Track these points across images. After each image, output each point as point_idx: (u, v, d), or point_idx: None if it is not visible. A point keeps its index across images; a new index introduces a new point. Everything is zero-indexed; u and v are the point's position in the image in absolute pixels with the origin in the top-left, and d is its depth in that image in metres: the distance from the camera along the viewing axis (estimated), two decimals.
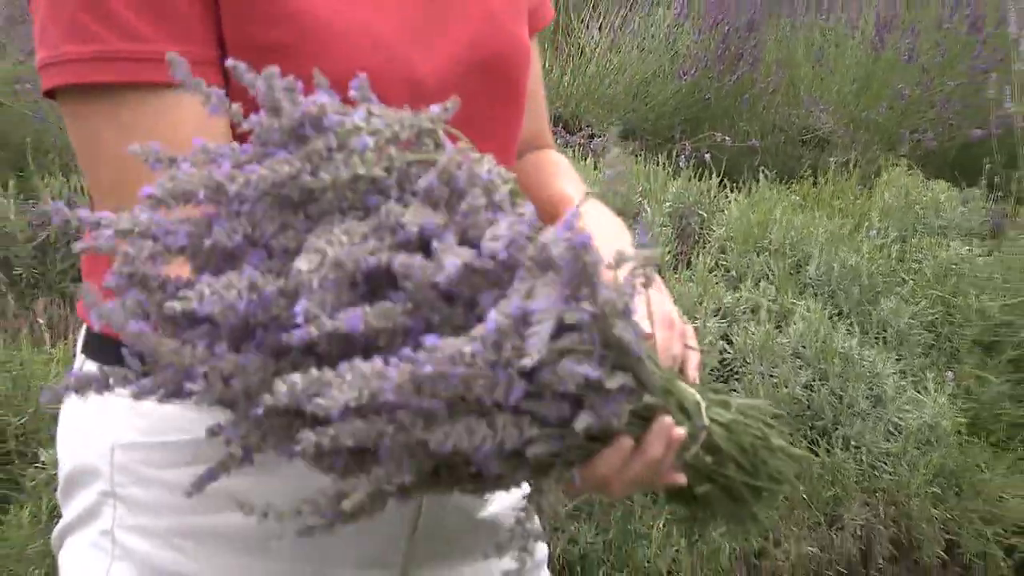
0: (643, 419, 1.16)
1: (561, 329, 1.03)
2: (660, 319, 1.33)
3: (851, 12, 5.82)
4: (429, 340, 0.97)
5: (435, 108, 1.07)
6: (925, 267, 3.83)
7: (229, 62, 0.99)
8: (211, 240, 1.04)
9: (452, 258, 0.99)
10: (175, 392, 1.04)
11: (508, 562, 1.44)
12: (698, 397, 1.24)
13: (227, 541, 1.34)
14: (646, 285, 1.10)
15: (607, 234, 1.35)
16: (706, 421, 1.22)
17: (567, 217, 1.01)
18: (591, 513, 2.98)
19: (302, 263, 0.99)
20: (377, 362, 0.96)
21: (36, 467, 2.71)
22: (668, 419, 1.16)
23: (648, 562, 2.95)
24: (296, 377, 0.95)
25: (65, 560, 1.41)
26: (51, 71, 1.24)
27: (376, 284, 1.03)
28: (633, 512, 2.97)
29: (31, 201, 3.95)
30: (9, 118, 4.51)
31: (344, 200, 1.05)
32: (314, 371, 0.96)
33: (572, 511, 2.96)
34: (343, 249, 1.00)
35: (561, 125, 5.65)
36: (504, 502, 1.51)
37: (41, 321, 3.23)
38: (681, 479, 1.23)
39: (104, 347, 1.33)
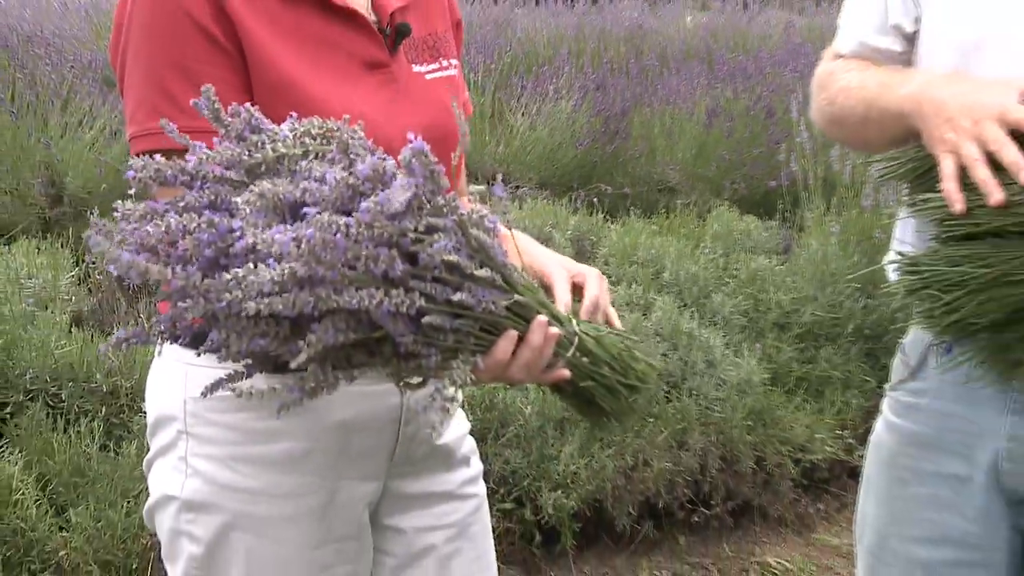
0: (523, 320, 1.13)
1: (431, 229, 1.03)
2: (595, 274, 1.32)
3: (690, 104, 5.81)
4: (309, 211, 0.99)
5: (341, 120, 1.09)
6: (741, 273, 3.83)
7: (201, 108, 1.09)
8: (183, 203, 1.06)
9: (332, 178, 1.01)
10: (182, 320, 1.05)
11: (462, 473, 1.42)
12: (568, 312, 1.22)
13: (269, 463, 1.32)
14: (508, 226, 1.11)
15: (524, 238, 1.36)
16: (576, 328, 1.19)
17: (416, 142, 1.02)
18: (519, 443, 2.94)
19: (240, 198, 1.01)
20: (282, 237, 0.97)
21: (140, 415, 2.66)
22: (543, 317, 1.14)
23: (557, 474, 2.92)
24: (239, 270, 0.97)
25: (153, 479, 1.38)
26: (139, 141, 1.23)
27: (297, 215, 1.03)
28: (547, 440, 2.94)
29: None
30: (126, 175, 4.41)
31: (280, 173, 1.06)
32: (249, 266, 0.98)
33: (504, 442, 2.93)
34: (268, 187, 1.01)
35: (497, 181, 5.63)
36: (454, 433, 1.50)
37: (142, 317, 3.18)
38: (566, 374, 1.19)
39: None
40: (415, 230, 1.02)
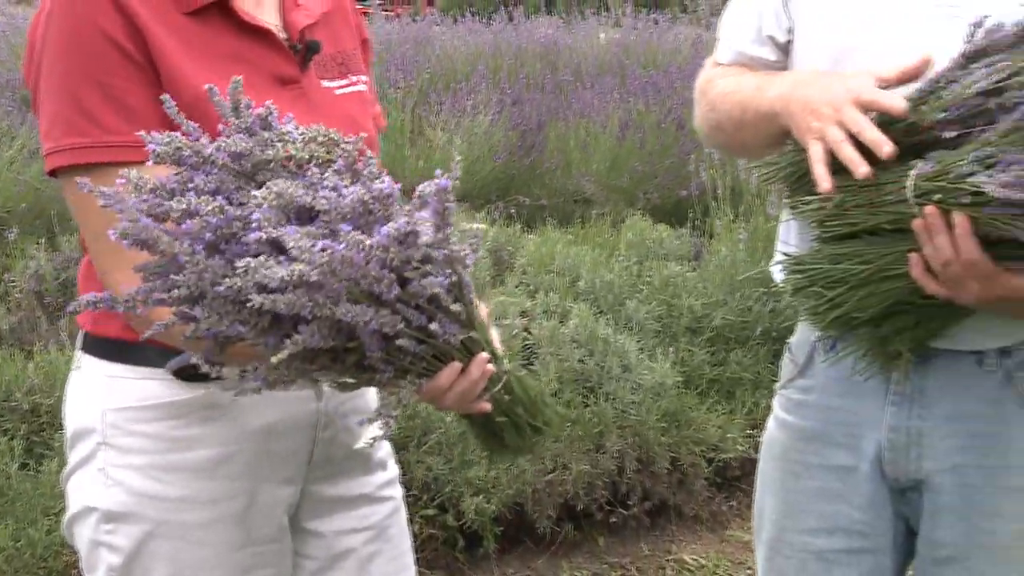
0: (469, 353, 1.19)
1: (427, 259, 1.09)
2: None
3: (603, 117, 5.89)
4: (344, 228, 1.03)
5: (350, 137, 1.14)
6: (654, 280, 3.88)
7: (214, 95, 1.14)
8: (192, 185, 1.09)
9: (352, 194, 1.06)
10: (164, 290, 1.08)
11: (379, 476, 1.45)
12: (504, 353, 1.27)
13: (190, 470, 1.35)
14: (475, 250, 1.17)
15: None
16: (507, 367, 1.25)
17: (437, 177, 1.09)
18: (440, 450, 2.97)
19: (260, 192, 1.06)
20: (308, 243, 1.01)
21: (61, 432, 2.63)
22: (485, 355, 1.21)
23: (479, 480, 2.95)
24: (252, 260, 1.00)
25: (72, 491, 1.39)
26: (55, 157, 1.24)
27: (305, 218, 1.08)
28: (468, 447, 2.97)
29: (57, 252, 3.87)
30: (44, 193, 4.37)
31: (280, 173, 1.11)
32: (261, 258, 1.01)
33: (427, 449, 2.95)
34: (286, 187, 1.06)
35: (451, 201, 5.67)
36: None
37: (64, 334, 3.15)
38: (487, 407, 1.25)
39: (95, 343, 1.34)
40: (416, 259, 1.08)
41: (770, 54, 1.51)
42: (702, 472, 3.28)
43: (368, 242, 1.03)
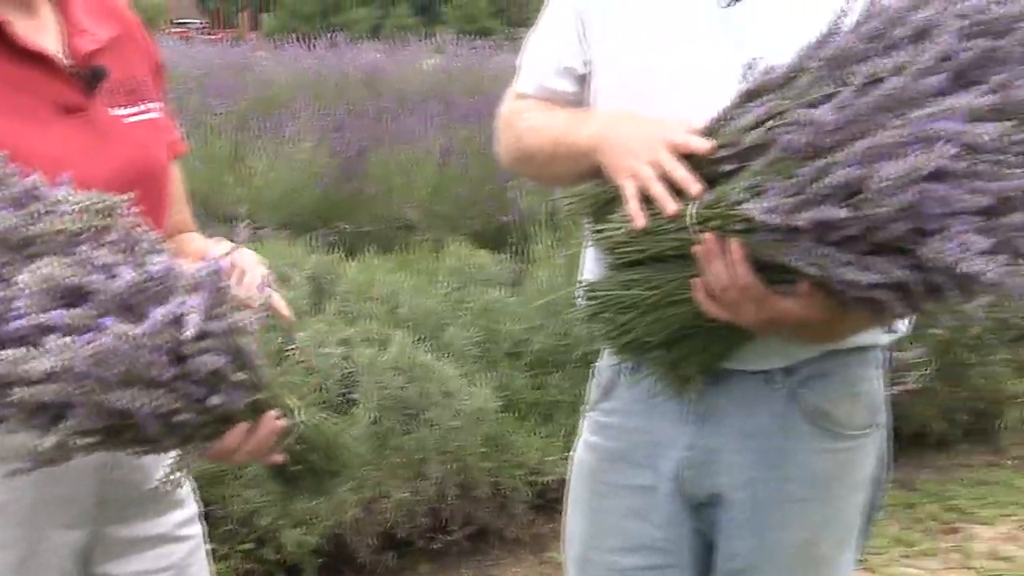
0: (257, 411, 1.17)
1: (203, 335, 1.05)
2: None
3: (426, 143, 5.91)
4: (107, 321, 1.00)
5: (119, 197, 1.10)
6: (475, 306, 3.89)
7: None
8: None
9: (124, 276, 1.02)
10: None
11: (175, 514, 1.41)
12: (296, 403, 1.27)
13: None
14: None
15: (251, 259, 1.35)
16: (299, 419, 1.25)
17: (210, 255, 1.07)
18: (258, 483, 2.91)
19: (23, 277, 1.01)
20: (69, 339, 0.97)
21: None
22: (273, 414, 1.19)
23: (298, 511, 2.90)
24: (11, 351, 0.96)
25: None
26: None
27: (74, 298, 1.03)
28: None
29: None
30: None
31: (52, 246, 1.06)
32: (23, 349, 0.98)
33: (243, 482, 2.88)
34: (54, 270, 1.01)
35: (237, 221, 5.56)
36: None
37: None
38: (279, 459, 1.24)
39: None
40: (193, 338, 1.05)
41: (569, 86, 1.54)
42: (523, 495, 3.30)
43: (135, 332, 1.00)
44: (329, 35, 9.24)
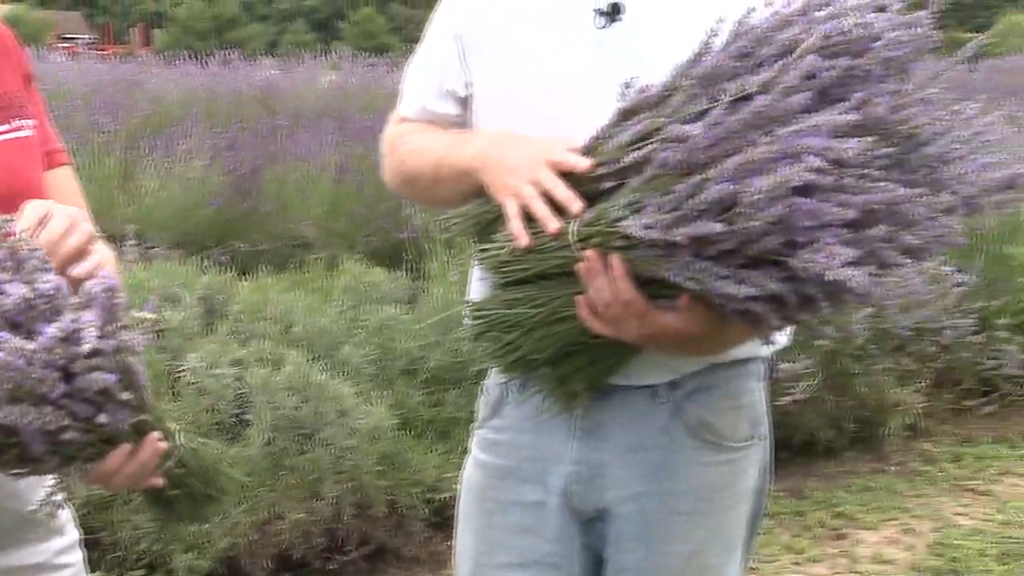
0: (140, 433, 1.17)
1: (94, 353, 1.05)
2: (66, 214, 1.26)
3: (321, 161, 5.86)
4: (2, 336, 0.99)
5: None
6: (370, 324, 3.86)
7: None
8: None
9: (14, 294, 1.02)
10: None
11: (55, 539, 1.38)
12: (176, 427, 1.25)
13: None
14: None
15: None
16: (179, 443, 1.24)
17: (104, 273, 1.08)
18: (144, 510, 2.84)
19: None
20: None
21: None
22: (156, 435, 1.19)
23: (189, 535, 2.84)
24: None
25: None
26: None
27: None
28: None
29: None
30: None
31: None
32: None
33: (132, 507, 2.81)
34: None
35: (129, 241, 5.47)
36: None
37: None
38: (159, 483, 1.22)
39: None
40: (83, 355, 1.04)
41: (452, 108, 1.55)
42: (420, 513, 3.28)
43: (29, 347, 0.99)
44: (223, 52, 9.10)
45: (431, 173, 1.51)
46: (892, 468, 4.00)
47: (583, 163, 1.28)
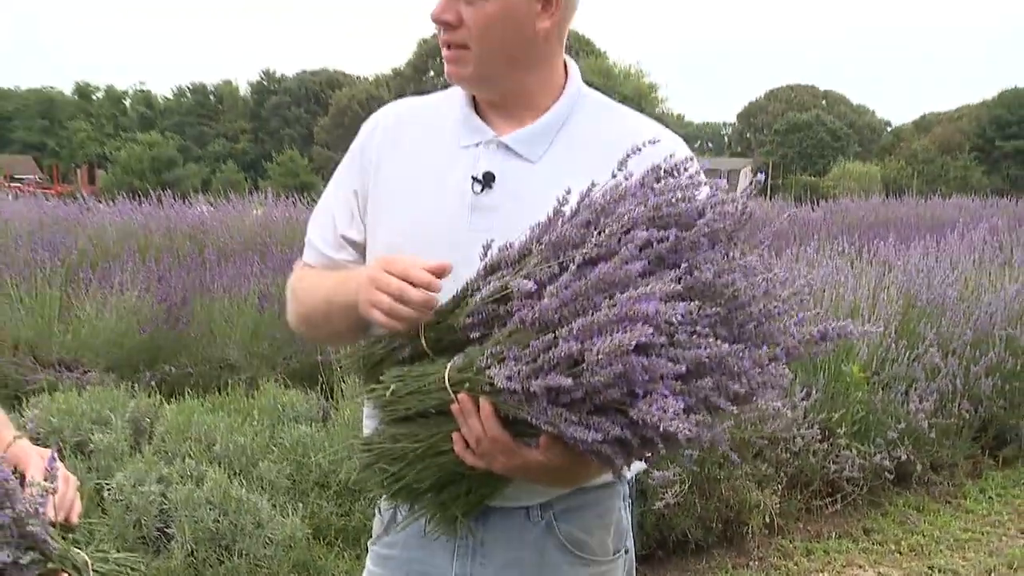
0: None
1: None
2: (62, 475, 1.28)
3: (245, 290, 5.81)
4: None
5: None
6: (286, 441, 3.82)
7: None
8: None
9: None
10: None
11: None
12: (87, 558, 1.21)
13: None
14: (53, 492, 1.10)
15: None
16: (90, 572, 1.20)
17: None
18: None
19: None
20: None
21: None
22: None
23: None
24: None
25: None
26: None
27: None
28: None
29: None
30: None
31: None
32: None
33: None
34: None
35: (65, 367, 5.31)
36: None
37: None
38: None
39: None
40: None
41: (348, 255, 1.56)
42: None
43: None
44: (157, 191, 9.03)
45: (323, 309, 1.50)
46: (754, 563, 4.02)
47: (421, 274, 1.27)
